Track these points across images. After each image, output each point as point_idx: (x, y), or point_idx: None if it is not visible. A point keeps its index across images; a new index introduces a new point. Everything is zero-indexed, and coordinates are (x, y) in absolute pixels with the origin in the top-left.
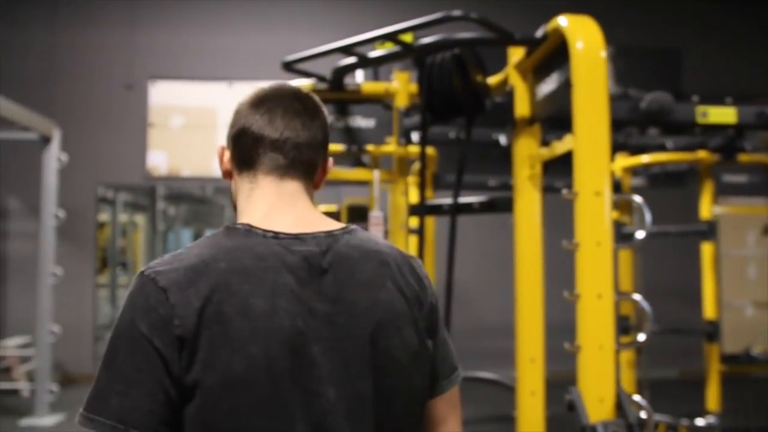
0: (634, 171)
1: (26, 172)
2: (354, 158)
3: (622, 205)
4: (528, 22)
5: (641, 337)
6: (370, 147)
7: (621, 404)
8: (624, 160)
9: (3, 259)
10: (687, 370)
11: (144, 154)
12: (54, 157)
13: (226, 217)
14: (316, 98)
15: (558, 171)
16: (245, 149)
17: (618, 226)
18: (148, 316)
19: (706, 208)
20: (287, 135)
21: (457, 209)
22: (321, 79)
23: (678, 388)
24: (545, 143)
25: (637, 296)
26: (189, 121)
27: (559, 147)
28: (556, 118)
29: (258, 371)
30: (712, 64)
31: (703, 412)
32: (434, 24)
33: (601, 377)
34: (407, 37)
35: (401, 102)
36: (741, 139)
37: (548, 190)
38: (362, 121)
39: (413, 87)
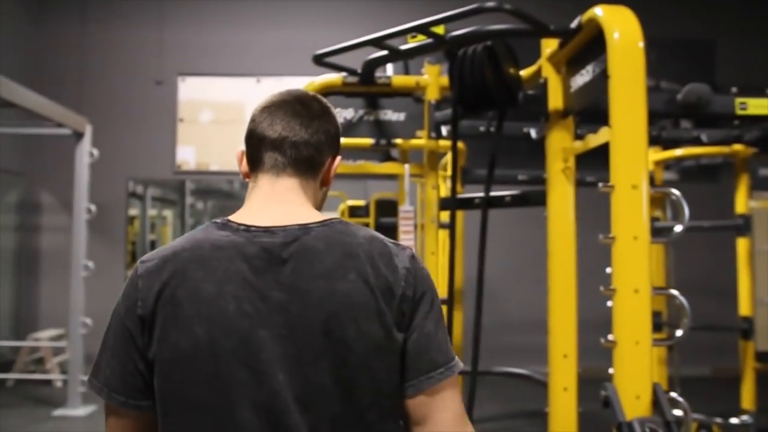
0: (666, 165)
1: (58, 168)
2: (383, 152)
3: (654, 199)
4: (558, 13)
5: (679, 332)
6: (399, 141)
7: (657, 401)
8: (657, 154)
9: (36, 253)
10: (719, 367)
11: (173, 149)
12: (86, 152)
13: None
14: (323, 101)
15: (587, 165)
16: (252, 150)
17: (651, 220)
18: (126, 300)
19: (742, 202)
20: (285, 134)
21: (488, 203)
22: (352, 72)
23: (710, 385)
24: (576, 137)
25: (674, 291)
26: (217, 116)
27: (594, 140)
28: (590, 110)
29: (201, 349)
30: (747, 56)
31: (737, 411)
32: (467, 15)
33: (638, 373)
34: (439, 29)
35: (432, 95)
36: None
37: (578, 184)
38: (393, 115)
39: (444, 80)
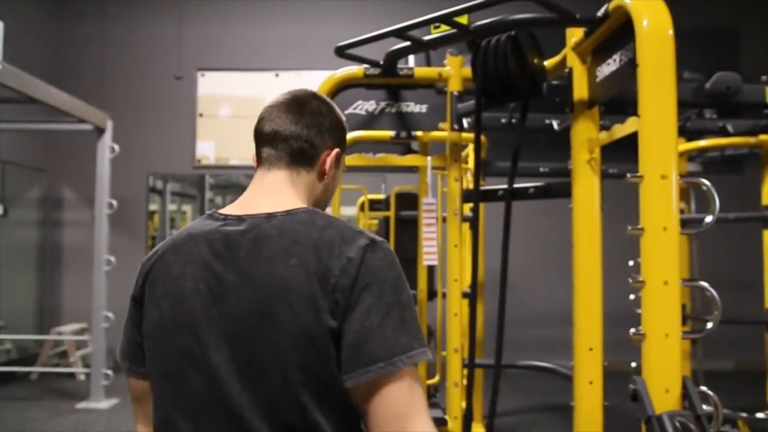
0: (689, 156)
1: (79, 163)
2: (404, 145)
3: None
4: (581, 2)
5: (709, 325)
6: (419, 133)
7: (687, 395)
8: (681, 145)
9: (58, 248)
10: (742, 361)
11: (193, 144)
12: (107, 148)
13: None
14: (323, 98)
15: (606, 157)
16: (255, 147)
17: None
18: (135, 282)
19: None
20: (276, 129)
21: (512, 195)
22: (374, 64)
23: (734, 380)
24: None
25: (703, 283)
26: (236, 110)
27: (621, 130)
28: (617, 100)
29: (165, 323)
30: None
31: (762, 406)
32: (492, 4)
33: (667, 366)
34: (463, 19)
35: (454, 86)
36: None
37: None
38: (415, 107)
39: (467, 71)
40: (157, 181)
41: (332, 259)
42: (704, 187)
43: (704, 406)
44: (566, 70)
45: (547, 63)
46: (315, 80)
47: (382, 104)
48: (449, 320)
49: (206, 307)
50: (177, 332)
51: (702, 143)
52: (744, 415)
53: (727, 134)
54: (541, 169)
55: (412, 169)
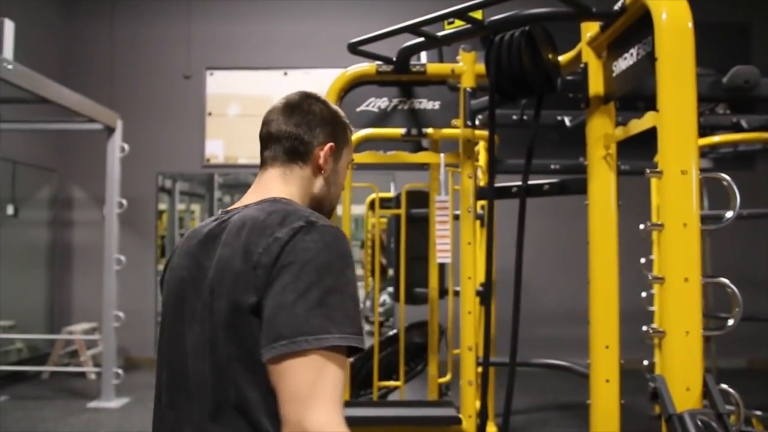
0: (701, 152)
1: (88, 163)
2: (414, 142)
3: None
4: None
5: (731, 322)
6: (430, 130)
7: (708, 393)
8: None
9: (69, 248)
10: (755, 359)
11: (202, 143)
12: (117, 147)
13: None
14: (317, 97)
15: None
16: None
17: None
18: None
19: None
20: (269, 131)
21: (527, 192)
22: (387, 61)
23: (746, 378)
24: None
25: (724, 280)
26: (245, 109)
27: (638, 125)
28: (633, 95)
29: (166, 309)
30: None
31: None
32: (506, 0)
33: (688, 364)
34: (477, 15)
35: (467, 83)
36: None
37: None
38: (427, 104)
39: (480, 67)
40: (166, 181)
41: (262, 238)
42: (725, 183)
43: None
44: (581, 65)
45: (562, 58)
46: (324, 78)
47: (395, 101)
48: (463, 318)
49: (189, 291)
50: (167, 314)
51: (716, 139)
52: (758, 413)
53: (739, 130)
54: (553, 166)
55: (421, 167)
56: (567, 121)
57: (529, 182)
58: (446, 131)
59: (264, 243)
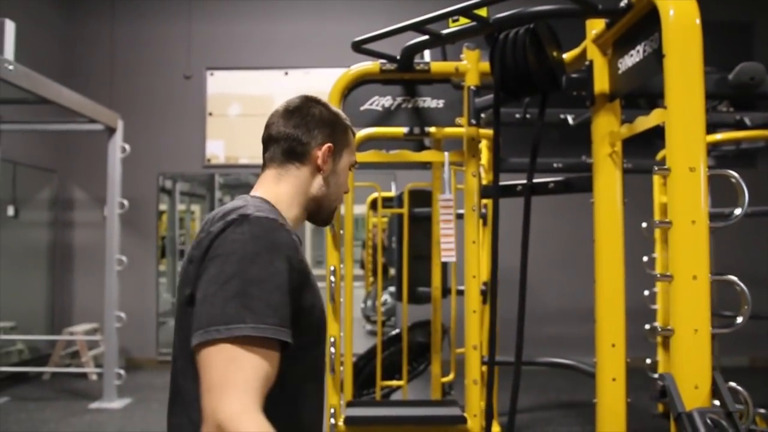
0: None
1: (89, 163)
2: (416, 141)
3: None
4: None
5: (739, 320)
6: (432, 129)
7: (717, 391)
8: None
9: (70, 249)
10: (757, 357)
11: (203, 143)
12: (118, 148)
13: None
14: (314, 99)
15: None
16: None
17: None
18: None
19: None
20: (269, 134)
21: (531, 190)
22: (391, 59)
23: (749, 376)
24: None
25: (732, 277)
26: (246, 109)
27: (644, 122)
28: (639, 92)
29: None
30: None
31: None
32: None
33: (697, 362)
34: (482, 12)
35: (472, 81)
36: None
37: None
38: (431, 102)
39: (484, 65)
40: (167, 181)
41: (201, 233)
42: (733, 180)
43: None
44: (586, 63)
45: (566, 56)
46: (325, 78)
47: (399, 100)
48: (468, 317)
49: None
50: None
51: (718, 136)
52: (762, 411)
53: (742, 127)
54: (555, 165)
55: (423, 166)
56: (570, 119)
57: (534, 180)
58: (449, 130)
59: (201, 237)
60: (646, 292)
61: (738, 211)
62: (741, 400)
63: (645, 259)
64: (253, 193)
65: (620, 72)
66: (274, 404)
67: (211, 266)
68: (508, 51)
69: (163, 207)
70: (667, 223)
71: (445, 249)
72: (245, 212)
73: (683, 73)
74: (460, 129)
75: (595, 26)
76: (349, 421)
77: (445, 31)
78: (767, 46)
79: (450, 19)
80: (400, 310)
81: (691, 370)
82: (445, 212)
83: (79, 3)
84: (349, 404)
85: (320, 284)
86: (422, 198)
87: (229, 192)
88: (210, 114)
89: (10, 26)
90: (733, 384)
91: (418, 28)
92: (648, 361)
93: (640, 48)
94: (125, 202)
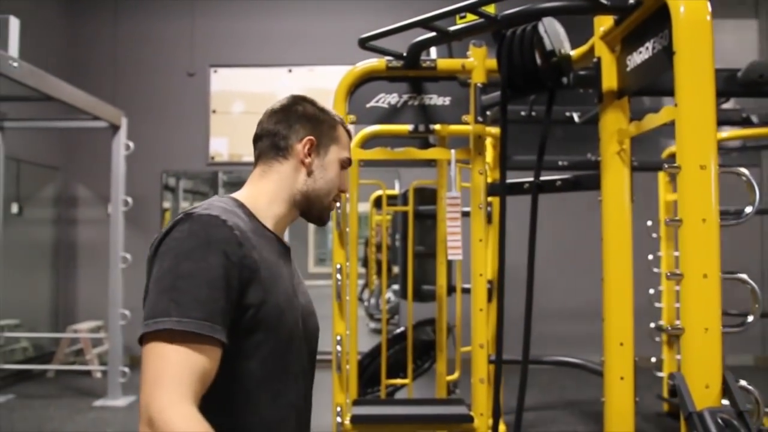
0: None
1: (92, 161)
2: (421, 139)
3: None
4: None
5: (750, 318)
6: (437, 127)
7: (728, 390)
8: None
9: (74, 246)
10: (763, 356)
11: (206, 140)
12: (122, 145)
13: None
14: (301, 97)
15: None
16: None
17: None
18: None
19: None
20: (256, 132)
21: (539, 188)
22: (397, 56)
23: (754, 375)
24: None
25: (743, 276)
26: (249, 107)
27: (654, 120)
28: (648, 89)
29: None
30: None
31: None
32: None
33: (707, 362)
34: (490, 9)
35: (478, 78)
36: None
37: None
38: (438, 99)
39: (490, 63)
40: (170, 179)
41: (158, 235)
42: (744, 178)
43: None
44: (594, 60)
45: (574, 53)
46: (328, 75)
47: (405, 97)
48: (474, 316)
49: None
50: None
51: (724, 134)
52: None
53: (752, 124)
54: (560, 163)
55: (428, 164)
56: (576, 116)
57: (541, 178)
58: (454, 127)
59: (157, 238)
60: (651, 291)
61: (749, 209)
62: (751, 399)
63: (650, 257)
64: (238, 191)
65: (628, 69)
66: (226, 401)
67: (155, 265)
68: (516, 48)
69: (166, 205)
70: (678, 221)
71: (452, 247)
72: (191, 211)
73: (694, 71)
74: (466, 126)
75: (603, 23)
76: (355, 419)
77: (452, 28)
78: None
79: (457, 16)
80: (404, 308)
81: (701, 370)
82: (452, 210)
83: (83, 1)
84: (355, 403)
85: (323, 282)
86: (426, 196)
87: (233, 189)
88: (213, 111)
89: (14, 23)
90: (743, 383)
91: (425, 24)
92: (653, 359)
93: (649, 45)
94: (129, 200)
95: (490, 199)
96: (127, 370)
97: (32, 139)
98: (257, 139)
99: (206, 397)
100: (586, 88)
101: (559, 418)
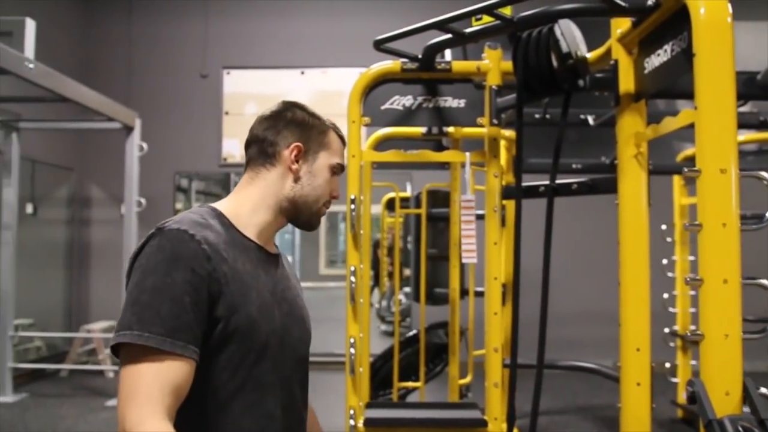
0: None
1: (106, 162)
2: (434, 141)
3: None
4: None
5: None
6: (450, 129)
7: (748, 397)
8: None
9: (87, 246)
10: None
11: (219, 142)
12: (136, 146)
13: None
14: (291, 102)
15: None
16: None
17: None
18: None
19: None
20: (246, 138)
21: (554, 191)
22: (412, 58)
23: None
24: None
25: (764, 281)
26: (262, 108)
27: (672, 123)
28: (666, 92)
29: None
30: None
31: None
32: None
33: (727, 368)
34: (506, 11)
35: (493, 80)
36: None
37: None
38: (452, 102)
39: (505, 65)
40: (183, 180)
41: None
42: (765, 182)
43: None
44: (611, 62)
45: (590, 55)
46: (341, 77)
47: (420, 99)
48: (488, 319)
49: None
50: None
51: (741, 137)
52: None
53: (763, 128)
54: (574, 166)
55: (441, 167)
56: (590, 119)
57: (557, 181)
58: (468, 130)
59: (134, 253)
60: (665, 295)
61: None
62: None
63: (664, 261)
64: (224, 198)
65: (646, 72)
66: (200, 413)
67: (131, 279)
68: (532, 50)
69: (179, 206)
70: (697, 225)
71: (466, 250)
72: (163, 225)
73: (714, 73)
74: (481, 129)
75: (620, 25)
76: (368, 422)
77: (468, 30)
78: None
79: (473, 18)
80: (415, 311)
81: (721, 376)
82: (467, 213)
83: (97, 3)
84: (368, 405)
85: (334, 284)
86: (438, 198)
87: None
88: (226, 113)
89: (30, 25)
90: (765, 390)
91: (441, 26)
92: (667, 365)
93: (667, 47)
94: (143, 201)
95: (503, 202)
96: None
97: (47, 140)
98: (247, 145)
99: (181, 411)
100: (602, 90)
101: (571, 422)
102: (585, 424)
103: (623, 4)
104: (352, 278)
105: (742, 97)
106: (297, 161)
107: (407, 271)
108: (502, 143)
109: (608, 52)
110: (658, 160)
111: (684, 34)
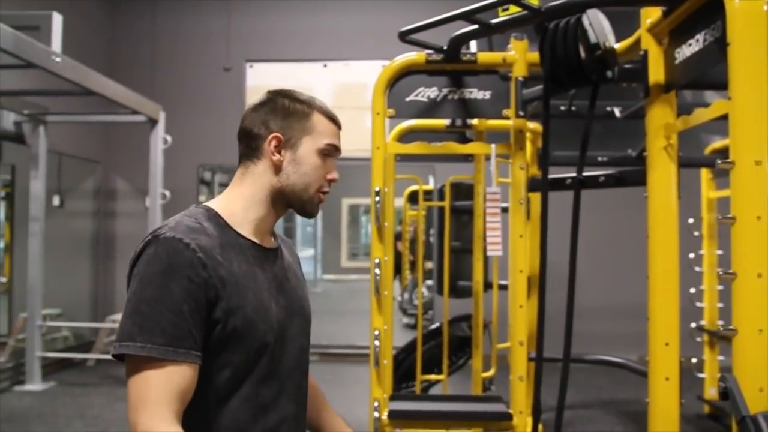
0: None
1: (130, 154)
2: (459, 132)
3: None
4: None
5: None
6: (474, 121)
7: None
8: None
9: (112, 238)
10: None
11: None
12: (160, 139)
13: None
14: (278, 92)
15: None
16: None
17: None
18: None
19: None
20: (237, 133)
21: (581, 183)
22: (437, 50)
23: None
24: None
25: None
26: None
27: (704, 114)
28: (698, 83)
29: None
30: None
31: None
32: None
33: (761, 364)
34: (534, 1)
35: (519, 72)
36: None
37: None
38: (478, 93)
39: (532, 56)
40: (206, 173)
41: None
42: None
43: None
44: (641, 53)
45: (619, 46)
46: (363, 70)
47: (445, 91)
48: (513, 312)
49: None
50: None
51: None
52: None
53: None
54: (600, 158)
55: (464, 159)
56: (617, 111)
57: (584, 174)
58: (492, 122)
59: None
60: (692, 290)
61: None
62: None
63: (691, 255)
64: (218, 196)
65: (677, 62)
66: (205, 414)
67: (130, 286)
68: (559, 41)
69: (202, 198)
70: (730, 218)
71: (491, 243)
72: (158, 233)
73: (750, 63)
74: (506, 121)
75: (650, 15)
76: (392, 414)
77: (494, 21)
78: None
79: (500, 9)
80: (438, 304)
81: (755, 372)
82: (492, 206)
83: None
84: (392, 398)
85: (356, 276)
86: (462, 191)
87: None
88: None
89: (57, 19)
90: None
91: (467, 17)
92: (694, 360)
93: (699, 37)
94: (167, 193)
95: (528, 194)
96: None
97: (73, 133)
98: (238, 140)
99: (187, 412)
100: (631, 81)
101: (595, 417)
102: (609, 419)
103: None
104: (377, 270)
105: None
106: (279, 152)
107: (429, 264)
108: (527, 135)
109: (637, 42)
110: (685, 152)
111: (717, 23)
